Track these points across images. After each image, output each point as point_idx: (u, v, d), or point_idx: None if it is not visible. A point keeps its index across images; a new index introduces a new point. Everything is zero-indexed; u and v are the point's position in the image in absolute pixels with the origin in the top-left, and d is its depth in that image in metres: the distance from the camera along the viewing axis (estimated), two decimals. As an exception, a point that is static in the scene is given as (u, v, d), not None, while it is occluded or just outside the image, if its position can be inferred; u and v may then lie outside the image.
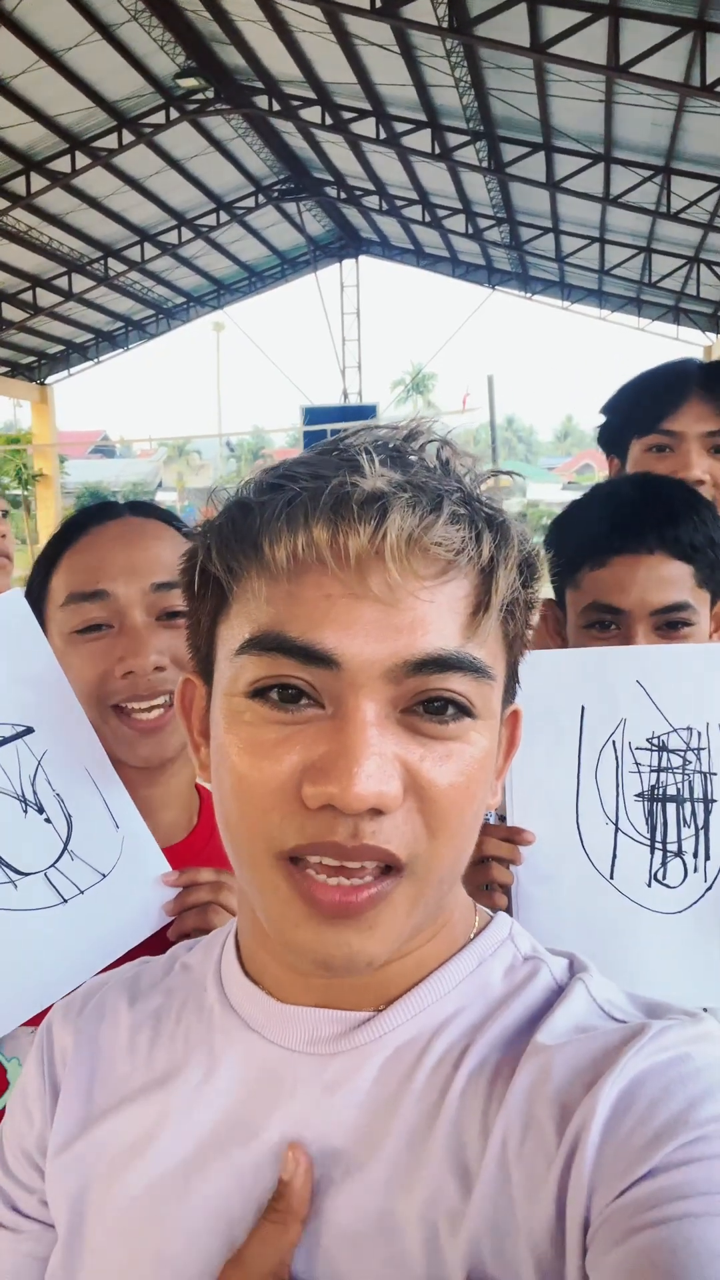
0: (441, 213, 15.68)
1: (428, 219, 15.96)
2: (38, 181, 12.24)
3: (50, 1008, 0.74)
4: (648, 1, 7.67)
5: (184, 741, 1.04)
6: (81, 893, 0.93)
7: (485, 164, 12.08)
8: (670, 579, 1.11)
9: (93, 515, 1.06)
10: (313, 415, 18.21)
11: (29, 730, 0.93)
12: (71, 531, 1.06)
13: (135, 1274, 0.61)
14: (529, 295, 18.91)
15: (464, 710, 0.55)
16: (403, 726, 0.54)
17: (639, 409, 1.58)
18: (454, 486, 0.55)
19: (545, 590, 0.71)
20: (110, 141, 11.94)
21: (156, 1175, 0.62)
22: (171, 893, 0.97)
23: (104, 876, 0.94)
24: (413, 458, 0.57)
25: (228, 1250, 0.58)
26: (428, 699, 0.54)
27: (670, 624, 1.11)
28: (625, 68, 8.12)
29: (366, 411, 19.22)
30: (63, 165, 12.11)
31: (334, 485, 0.53)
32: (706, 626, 1.15)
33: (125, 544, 1.03)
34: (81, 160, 12.07)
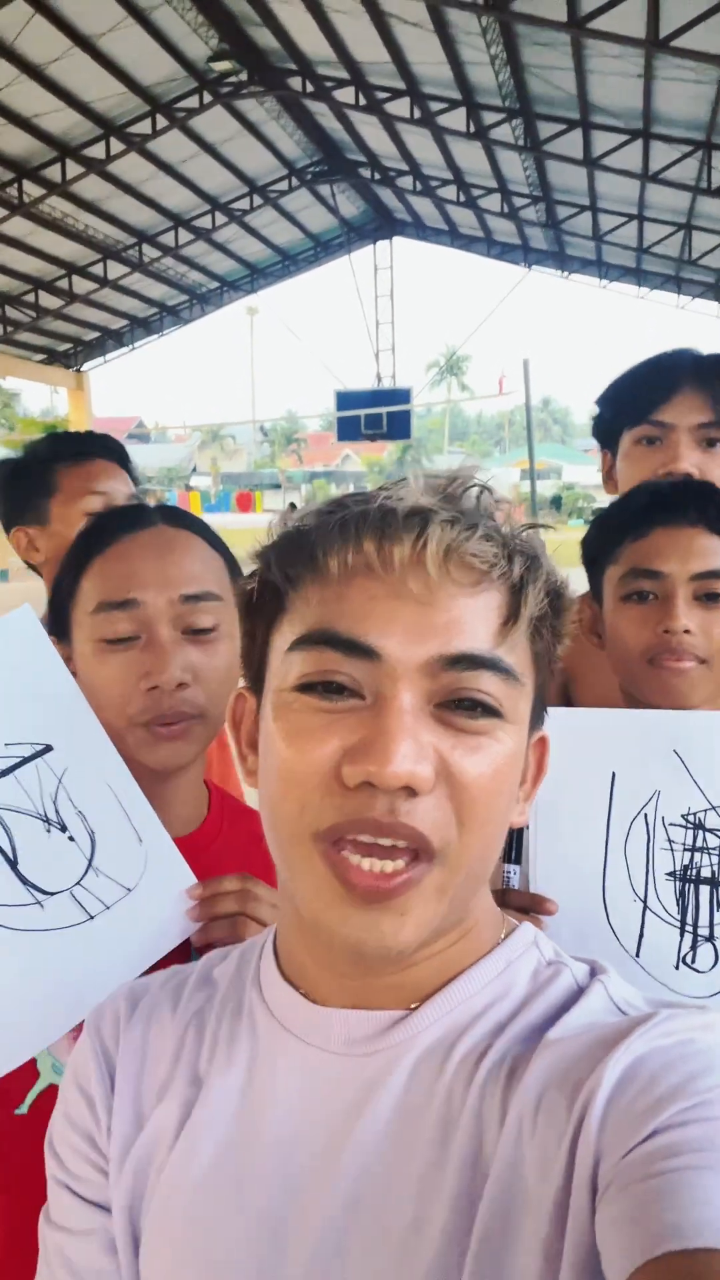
0: (476, 192, 15.47)
1: (462, 199, 15.76)
2: (73, 168, 12.26)
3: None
4: (689, -28, 7.49)
5: (199, 750, 1.06)
6: (108, 908, 0.93)
7: (521, 142, 11.89)
8: (710, 549, 1.12)
9: (125, 521, 1.06)
10: (346, 400, 18.13)
11: (48, 748, 0.93)
12: (103, 535, 1.05)
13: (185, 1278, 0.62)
14: (565, 274, 18.64)
15: (493, 712, 0.59)
16: (436, 719, 0.58)
17: (630, 400, 1.54)
18: (489, 515, 0.61)
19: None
20: (144, 127, 11.92)
21: (201, 1178, 0.63)
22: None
23: (129, 891, 0.94)
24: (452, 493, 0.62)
25: (276, 1254, 0.60)
26: (459, 698, 0.58)
27: (709, 594, 1.11)
28: (665, 41, 7.95)
29: (400, 395, 19.09)
30: (97, 151, 12.11)
31: (381, 501, 0.59)
32: None
33: (157, 554, 1.03)
34: (116, 146, 12.07)
